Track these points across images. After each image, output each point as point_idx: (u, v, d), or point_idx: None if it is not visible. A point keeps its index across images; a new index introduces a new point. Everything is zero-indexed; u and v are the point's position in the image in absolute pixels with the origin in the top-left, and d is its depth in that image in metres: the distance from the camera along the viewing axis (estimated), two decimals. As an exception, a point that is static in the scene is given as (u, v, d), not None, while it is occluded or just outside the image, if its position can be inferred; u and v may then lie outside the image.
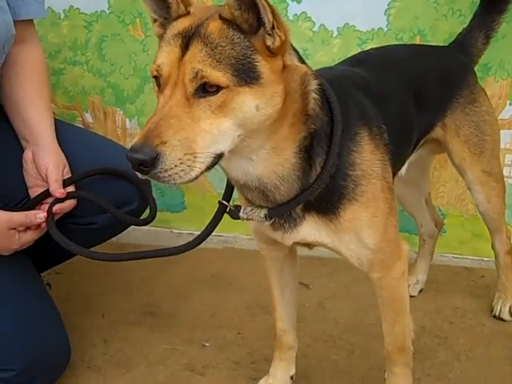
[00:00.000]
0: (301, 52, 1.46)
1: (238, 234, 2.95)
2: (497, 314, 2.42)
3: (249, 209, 1.53)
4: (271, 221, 1.54)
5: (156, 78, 1.30)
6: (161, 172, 1.20)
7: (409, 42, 2.55)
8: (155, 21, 1.42)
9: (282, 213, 1.53)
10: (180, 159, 1.20)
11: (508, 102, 2.62)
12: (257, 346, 2.25)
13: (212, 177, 2.91)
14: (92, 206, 1.93)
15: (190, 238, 1.62)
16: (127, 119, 2.97)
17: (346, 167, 1.51)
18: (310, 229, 1.56)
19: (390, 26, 2.56)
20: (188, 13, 1.35)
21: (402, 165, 1.99)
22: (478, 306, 2.50)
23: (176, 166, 1.20)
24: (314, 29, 2.63)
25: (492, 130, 2.19)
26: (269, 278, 1.89)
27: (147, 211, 2.03)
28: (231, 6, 1.25)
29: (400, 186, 2.32)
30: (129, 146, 1.21)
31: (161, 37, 1.37)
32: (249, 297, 2.54)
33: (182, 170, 1.21)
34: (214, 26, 1.27)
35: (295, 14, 2.62)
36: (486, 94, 2.22)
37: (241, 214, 1.53)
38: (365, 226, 1.56)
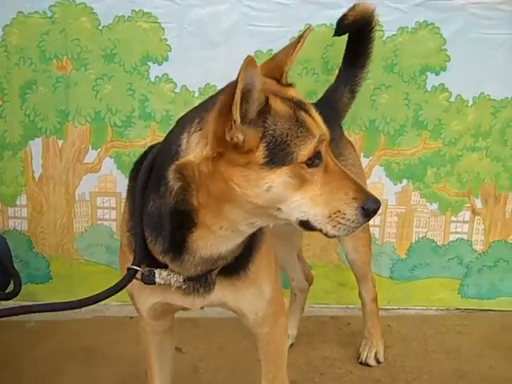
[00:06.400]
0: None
1: (108, 300, 2.82)
2: (363, 360, 2.53)
3: (165, 273, 1.53)
4: (186, 285, 1.55)
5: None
6: None
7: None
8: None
9: (201, 276, 1.55)
10: None
11: (362, 154, 2.80)
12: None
13: (78, 244, 2.86)
14: None
15: (58, 310, 1.56)
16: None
17: None
18: (219, 291, 1.62)
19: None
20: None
21: None
22: (345, 354, 2.59)
23: None
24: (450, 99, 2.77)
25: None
26: (148, 352, 1.88)
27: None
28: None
29: (272, 240, 2.40)
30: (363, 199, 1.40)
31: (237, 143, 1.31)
32: (121, 367, 2.44)
33: None
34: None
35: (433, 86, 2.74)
36: (352, 146, 2.38)
37: (157, 280, 1.53)
38: (265, 276, 1.68)
